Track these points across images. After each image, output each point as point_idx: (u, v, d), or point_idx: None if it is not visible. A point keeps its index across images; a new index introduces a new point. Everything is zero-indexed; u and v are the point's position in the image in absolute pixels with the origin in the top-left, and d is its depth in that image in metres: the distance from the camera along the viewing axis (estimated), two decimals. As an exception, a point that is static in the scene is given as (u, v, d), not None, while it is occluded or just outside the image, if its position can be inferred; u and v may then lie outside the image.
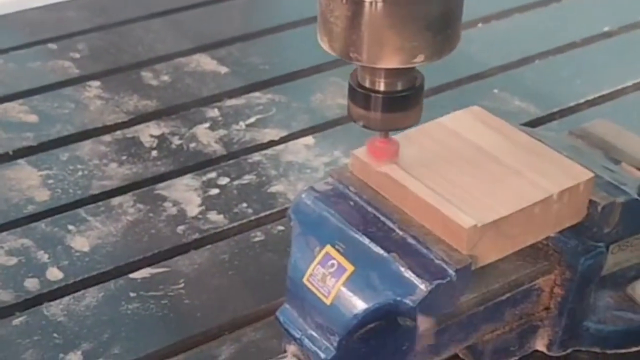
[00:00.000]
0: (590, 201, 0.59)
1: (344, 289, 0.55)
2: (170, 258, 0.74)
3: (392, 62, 0.53)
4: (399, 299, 0.54)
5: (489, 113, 0.64)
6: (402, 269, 0.54)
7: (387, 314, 0.55)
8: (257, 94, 0.95)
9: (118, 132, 0.89)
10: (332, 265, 0.56)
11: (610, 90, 0.96)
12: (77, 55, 1.01)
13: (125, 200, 0.81)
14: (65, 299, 0.70)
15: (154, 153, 0.87)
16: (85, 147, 0.87)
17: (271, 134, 0.89)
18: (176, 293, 0.71)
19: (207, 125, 0.91)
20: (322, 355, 0.56)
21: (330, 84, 0.96)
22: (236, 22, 1.10)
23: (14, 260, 0.74)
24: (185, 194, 0.82)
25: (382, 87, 0.55)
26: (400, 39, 0.52)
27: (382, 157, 0.59)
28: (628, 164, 0.65)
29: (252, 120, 0.91)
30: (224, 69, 0.99)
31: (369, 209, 0.58)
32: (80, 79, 0.97)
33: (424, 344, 0.58)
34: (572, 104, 0.94)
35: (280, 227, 0.77)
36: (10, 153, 0.86)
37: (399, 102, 0.56)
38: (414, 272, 0.54)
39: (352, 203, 0.59)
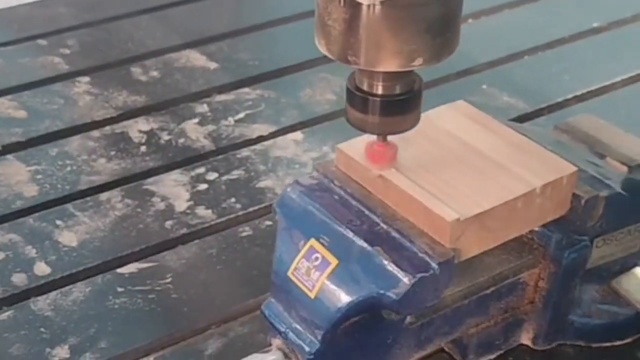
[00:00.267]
0: (574, 195, 0.60)
1: (328, 283, 0.55)
2: (158, 253, 0.75)
3: (390, 65, 0.52)
4: (382, 292, 0.54)
5: (474, 107, 0.65)
6: (386, 263, 0.54)
7: (371, 307, 0.55)
8: (246, 89, 0.96)
9: (107, 128, 0.90)
10: (317, 258, 0.56)
11: (598, 86, 0.96)
12: (67, 51, 1.01)
13: (114, 195, 0.81)
14: (53, 294, 0.70)
15: (143, 148, 0.87)
16: (74, 143, 0.87)
17: (260, 129, 0.89)
18: (164, 288, 0.71)
19: (196, 120, 0.91)
20: (307, 349, 0.56)
21: (320, 80, 0.97)
22: (226, 18, 1.10)
23: (1, 255, 0.74)
24: (174, 189, 0.82)
25: (380, 91, 0.55)
26: (399, 42, 0.52)
27: (380, 160, 0.58)
28: (613, 159, 0.65)
29: (241, 115, 0.92)
30: (213, 65, 0.99)
31: (354, 202, 0.58)
32: (70, 75, 0.97)
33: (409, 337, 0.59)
34: (560, 99, 0.94)
35: (268, 222, 0.77)
36: (-1, 148, 0.87)
37: (398, 106, 0.55)
38: (397, 266, 0.54)
39: (336, 197, 0.59)
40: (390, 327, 0.58)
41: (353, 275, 0.55)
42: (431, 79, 0.95)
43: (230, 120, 0.91)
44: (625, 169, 0.64)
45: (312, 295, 0.56)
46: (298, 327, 0.57)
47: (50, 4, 1.10)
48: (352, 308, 0.55)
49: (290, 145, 0.87)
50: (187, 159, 0.85)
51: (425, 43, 0.52)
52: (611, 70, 0.98)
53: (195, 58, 1.01)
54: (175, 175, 0.83)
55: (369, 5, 0.51)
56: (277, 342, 0.59)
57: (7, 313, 0.69)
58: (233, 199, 0.80)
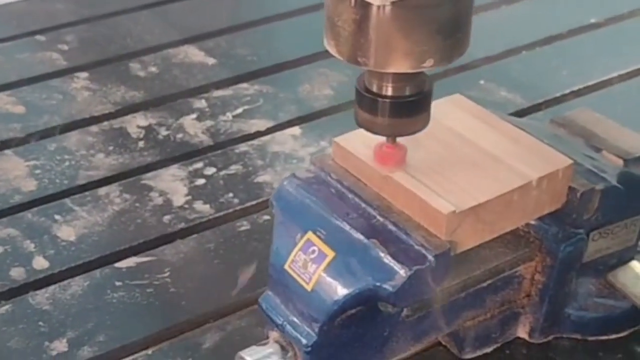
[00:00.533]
0: (570, 188, 0.60)
1: (324, 275, 0.56)
2: (156, 247, 0.75)
3: (400, 66, 0.52)
4: (378, 284, 0.54)
5: (470, 101, 0.65)
6: (382, 255, 0.55)
7: (367, 300, 0.56)
8: (244, 85, 0.96)
9: (105, 123, 0.90)
10: (313, 251, 0.56)
11: (596, 81, 0.96)
12: (65, 47, 1.02)
13: (112, 190, 0.81)
14: (51, 288, 0.71)
15: (141, 144, 0.87)
16: (73, 138, 0.87)
17: (258, 124, 0.90)
18: (162, 282, 0.71)
19: (194, 116, 0.91)
20: (304, 341, 0.57)
21: (318, 75, 0.97)
22: (224, 14, 1.10)
23: (0, 250, 0.74)
24: (172, 184, 0.82)
25: (389, 92, 0.54)
26: (410, 43, 0.51)
27: (389, 162, 0.58)
28: (609, 152, 0.65)
29: (239, 111, 0.92)
30: (211, 60, 1.00)
31: (350, 195, 0.58)
32: (68, 71, 0.98)
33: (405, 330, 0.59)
34: (558, 94, 0.94)
35: (266, 217, 0.77)
36: (-2, 144, 0.87)
37: (407, 107, 0.55)
38: (393, 258, 0.54)
39: (333, 190, 0.59)
40: (386, 319, 0.58)
41: (349, 268, 0.55)
42: (429, 74, 0.96)
43: (229, 115, 0.91)
44: (621, 162, 0.65)
45: (309, 288, 0.56)
46: (295, 319, 0.57)
47: (48, -1, 1.10)
48: (349, 300, 0.55)
49: (288, 140, 0.87)
50: (185, 154, 0.86)
51: (436, 44, 0.51)
52: (608, 66, 0.98)
53: (193, 54, 1.01)
54: (174, 170, 0.83)
55: (379, 6, 0.50)
56: (274, 334, 0.59)
57: (5, 307, 0.69)
58: (231, 194, 0.81)
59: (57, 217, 0.78)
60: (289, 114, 0.91)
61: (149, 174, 0.83)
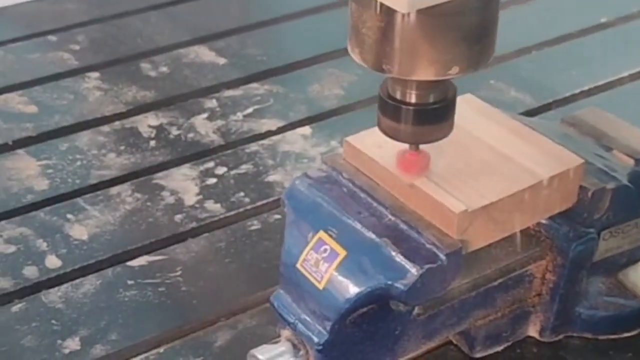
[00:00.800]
0: (581, 187, 0.60)
1: (336, 274, 0.56)
2: (167, 246, 0.75)
3: (426, 74, 0.51)
4: (390, 283, 0.54)
5: (481, 100, 0.65)
6: (394, 254, 0.55)
7: (379, 298, 0.56)
8: (255, 84, 0.96)
9: (117, 123, 0.90)
10: (325, 250, 0.57)
11: (606, 81, 0.96)
12: (77, 47, 1.02)
13: (124, 189, 0.81)
14: (64, 287, 0.71)
15: (152, 143, 0.87)
16: (84, 138, 0.88)
17: (268, 124, 0.90)
18: (173, 281, 0.72)
19: (205, 115, 0.91)
20: (316, 340, 0.57)
21: (328, 75, 0.97)
22: (234, 14, 1.10)
23: (13, 249, 0.74)
24: (183, 183, 0.82)
25: (413, 99, 0.54)
26: (435, 51, 0.51)
27: (412, 170, 0.57)
28: (619, 151, 0.66)
29: (249, 110, 0.92)
30: (222, 60, 1.00)
31: (362, 194, 0.59)
32: (79, 70, 0.98)
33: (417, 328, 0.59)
34: (568, 94, 0.94)
35: (277, 216, 0.78)
36: (10, 143, 0.87)
37: (431, 115, 0.55)
38: (405, 257, 0.55)
39: (344, 189, 0.60)
40: (398, 318, 0.58)
41: (361, 267, 0.55)
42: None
43: (239, 115, 0.91)
44: (632, 161, 0.65)
45: (320, 286, 0.56)
46: (307, 318, 0.58)
47: (59, 0, 1.10)
48: (361, 299, 0.55)
49: (298, 140, 0.88)
50: (196, 153, 0.86)
51: (462, 51, 0.51)
52: (618, 65, 0.98)
53: (204, 54, 1.01)
54: (185, 169, 0.84)
55: (404, 14, 0.49)
56: (286, 333, 0.59)
57: (18, 305, 0.69)
58: (242, 193, 0.81)
59: (69, 216, 0.78)
60: (299, 114, 0.91)
61: (160, 174, 0.83)
